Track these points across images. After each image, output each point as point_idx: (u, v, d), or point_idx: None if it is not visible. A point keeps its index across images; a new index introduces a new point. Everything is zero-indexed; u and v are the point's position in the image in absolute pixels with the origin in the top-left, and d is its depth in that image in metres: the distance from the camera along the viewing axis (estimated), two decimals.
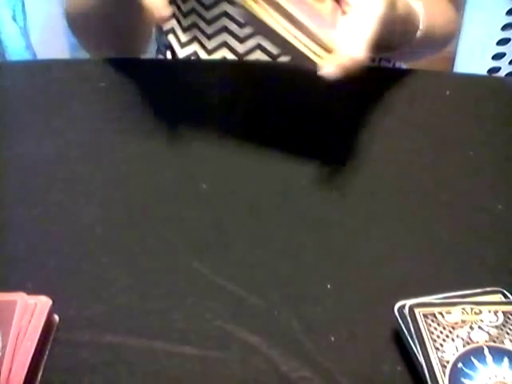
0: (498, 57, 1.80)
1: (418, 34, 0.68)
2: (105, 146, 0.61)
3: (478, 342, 0.40)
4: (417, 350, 0.40)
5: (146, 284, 0.48)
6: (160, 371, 0.42)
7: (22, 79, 0.71)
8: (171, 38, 0.83)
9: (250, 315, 0.45)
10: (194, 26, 0.80)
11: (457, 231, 0.53)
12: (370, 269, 0.49)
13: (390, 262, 0.50)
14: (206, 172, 0.58)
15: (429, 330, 0.41)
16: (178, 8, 0.81)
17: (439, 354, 0.40)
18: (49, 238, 0.52)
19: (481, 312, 0.42)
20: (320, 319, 0.45)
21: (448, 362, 0.39)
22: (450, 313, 0.42)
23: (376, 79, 0.69)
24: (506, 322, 0.42)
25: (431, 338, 0.41)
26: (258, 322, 0.45)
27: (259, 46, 0.78)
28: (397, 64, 0.86)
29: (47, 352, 0.42)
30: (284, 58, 0.79)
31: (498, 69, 1.81)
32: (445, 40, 0.80)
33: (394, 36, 0.64)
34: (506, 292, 0.45)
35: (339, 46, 0.51)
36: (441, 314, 0.42)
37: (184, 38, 0.82)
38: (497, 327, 0.41)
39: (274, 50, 0.78)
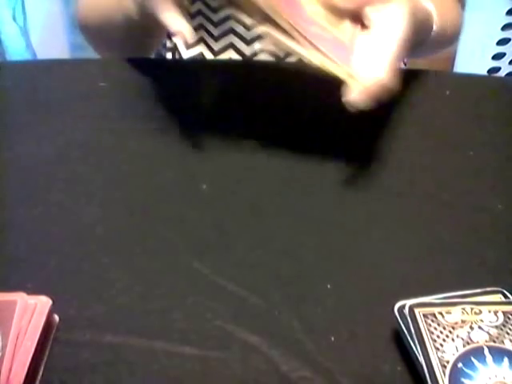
0: (497, 57, 1.80)
1: (432, 34, 0.68)
2: (105, 146, 0.61)
3: (478, 342, 0.40)
4: (417, 350, 0.40)
5: (147, 284, 0.48)
6: (160, 371, 0.42)
7: (22, 79, 0.71)
8: (177, 39, 0.83)
9: (250, 315, 0.45)
10: (201, 27, 0.80)
11: (457, 231, 0.53)
12: (371, 269, 0.49)
13: (390, 262, 0.50)
14: (207, 172, 0.58)
15: (429, 329, 0.41)
16: (186, 9, 0.81)
17: (439, 353, 0.40)
18: (49, 238, 0.52)
19: (481, 312, 0.42)
20: (320, 319, 0.45)
21: (448, 362, 0.39)
22: (450, 313, 0.42)
23: None
24: (506, 322, 0.42)
25: (431, 338, 0.41)
26: (259, 322, 0.45)
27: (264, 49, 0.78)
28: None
29: (47, 352, 0.42)
30: (289, 60, 0.79)
31: (497, 69, 1.81)
32: (453, 37, 0.80)
33: (413, 44, 0.64)
34: (506, 292, 0.45)
35: (361, 71, 0.50)
36: (441, 314, 0.42)
37: (191, 39, 0.82)
38: (497, 327, 0.41)
39: (280, 53, 0.78)
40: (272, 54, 0.52)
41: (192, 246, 0.51)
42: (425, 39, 0.68)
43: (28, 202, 0.55)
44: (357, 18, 0.53)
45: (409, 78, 0.72)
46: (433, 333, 0.41)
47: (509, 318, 0.42)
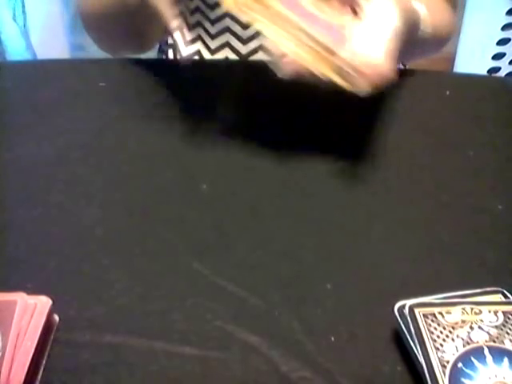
0: (497, 57, 1.80)
1: (421, 35, 0.68)
2: (105, 146, 0.61)
3: (477, 342, 0.40)
4: (417, 350, 0.40)
5: (147, 285, 0.48)
6: (160, 372, 0.42)
7: (22, 79, 0.71)
8: (177, 35, 0.83)
9: (250, 316, 0.45)
10: (199, 24, 0.80)
11: (457, 231, 0.53)
12: (371, 269, 0.49)
13: (390, 263, 0.50)
14: (207, 173, 0.58)
15: (429, 329, 0.41)
16: (186, 5, 0.81)
17: (439, 353, 0.40)
18: (49, 239, 0.52)
19: (481, 312, 0.42)
20: (320, 320, 0.45)
21: (448, 362, 0.39)
22: (450, 313, 0.42)
23: None
24: (506, 322, 0.42)
25: (431, 338, 0.41)
26: (259, 322, 0.45)
27: (262, 47, 0.78)
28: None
29: (47, 352, 0.42)
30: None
31: (497, 69, 1.81)
32: (441, 42, 0.80)
33: (404, 44, 0.64)
34: (506, 292, 0.45)
35: (363, 65, 0.50)
36: (441, 313, 0.42)
37: (189, 36, 0.82)
38: (497, 327, 0.41)
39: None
40: (270, 52, 0.52)
41: (192, 246, 0.51)
42: (415, 39, 0.69)
43: (28, 203, 0.55)
44: (345, 4, 0.53)
45: (409, 78, 0.72)
46: (433, 333, 0.41)
47: (509, 318, 0.42)
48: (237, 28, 0.78)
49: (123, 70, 0.71)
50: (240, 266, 0.49)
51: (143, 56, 0.78)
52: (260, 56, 0.79)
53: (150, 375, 0.42)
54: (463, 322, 0.42)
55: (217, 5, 0.77)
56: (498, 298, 0.44)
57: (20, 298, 0.42)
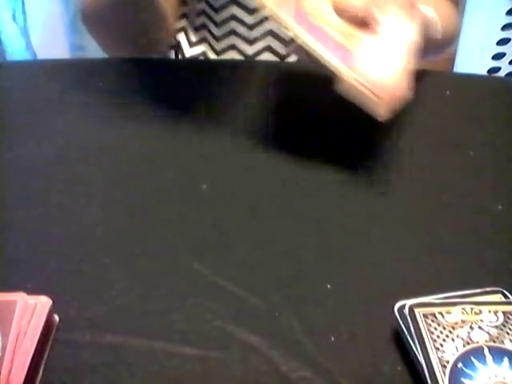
0: (498, 57, 1.80)
1: (431, 41, 0.68)
2: (105, 146, 0.61)
3: (477, 342, 0.40)
4: (417, 350, 0.40)
5: (147, 285, 0.48)
6: (160, 372, 0.42)
7: (22, 79, 0.71)
8: (181, 36, 0.83)
9: (250, 316, 0.45)
10: (204, 27, 0.80)
11: (457, 231, 0.53)
12: (371, 269, 0.49)
13: (390, 263, 0.50)
14: (207, 172, 0.58)
15: (429, 329, 0.41)
16: (191, 7, 0.81)
17: (439, 353, 0.40)
18: (49, 238, 0.52)
19: (481, 312, 0.42)
20: (320, 320, 0.45)
21: (448, 362, 0.39)
22: (450, 313, 0.42)
23: None
24: (506, 322, 0.42)
25: (431, 338, 0.41)
26: (259, 322, 0.45)
27: (268, 48, 0.78)
28: None
29: (47, 352, 0.42)
30: (291, 59, 0.79)
31: (497, 69, 1.81)
32: (449, 42, 0.80)
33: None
34: (506, 292, 0.45)
35: (375, 87, 0.49)
36: (441, 313, 0.42)
37: (194, 37, 0.82)
38: (497, 327, 0.41)
39: (282, 51, 0.78)
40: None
41: (192, 246, 0.51)
42: (427, 46, 0.68)
43: (28, 203, 0.55)
44: (363, 23, 0.52)
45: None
46: (433, 333, 0.41)
47: (509, 318, 0.42)
48: (242, 30, 0.78)
49: (123, 69, 0.71)
50: (240, 266, 0.49)
51: (143, 56, 0.78)
52: (266, 56, 0.79)
53: (150, 375, 0.42)
54: (463, 321, 0.42)
55: (221, 8, 0.78)
56: (498, 298, 0.44)
57: (20, 298, 0.42)
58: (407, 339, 0.42)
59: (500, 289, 0.45)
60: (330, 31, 0.51)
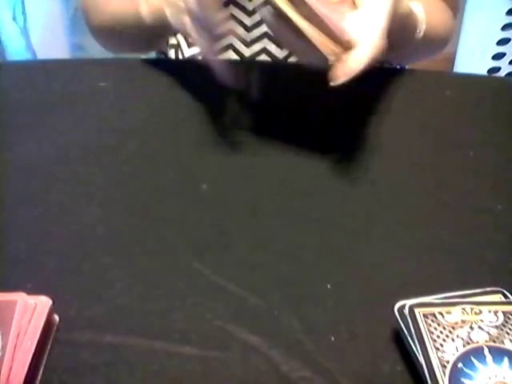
0: (498, 57, 1.80)
1: (417, 36, 0.69)
2: (105, 146, 0.61)
3: (477, 342, 0.40)
4: (417, 350, 0.40)
5: (147, 284, 0.48)
6: (160, 371, 0.42)
7: (22, 79, 0.71)
8: (180, 36, 0.83)
9: (250, 315, 0.45)
10: None
11: (457, 231, 0.53)
12: (371, 269, 0.49)
13: (390, 263, 0.50)
14: (207, 173, 0.58)
15: (429, 329, 0.41)
16: None
17: (439, 353, 0.40)
18: (49, 238, 0.52)
19: (481, 312, 0.42)
20: (320, 319, 0.45)
21: (448, 362, 0.39)
22: (450, 313, 0.42)
23: (376, 79, 0.69)
24: (506, 322, 0.42)
25: (431, 338, 0.41)
26: (259, 322, 0.45)
27: (265, 50, 0.78)
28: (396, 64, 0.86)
29: (47, 352, 0.42)
30: (290, 61, 0.79)
31: (497, 69, 1.82)
32: (441, 44, 0.81)
33: (394, 36, 0.64)
34: (506, 292, 0.45)
35: (359, 37, 0.51)
36: (441, 314, 0.42)
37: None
38: (497, 327, 0.41)
39: (279, 54, 0.78)
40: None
41: (192, 246, 0.51)
42: (409, 38, 0.69)
43: (28, 203, 0.55)
44: None
45: (409, 77, 0.72)
46: (433, 333, 0.41)
47: (509, 318, 0.42)
48: (240, 31, 0.78)
49: (123, 70, 0.71)
50: (240, 266, 0.49)
51: (143, 56, 0.78)
52: (263, 58, 0.79)
53: (150, 375, 0.42)
54: (463, 321, 0.42)
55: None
56: (498, 298, 0.44)
57: (20, 298, 0.42)
58: (407, 339, 0.42)
59: (500, 289, 0.45)
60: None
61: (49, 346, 0.42)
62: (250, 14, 0.77)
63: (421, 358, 0.40)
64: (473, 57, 1.81)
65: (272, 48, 0.78)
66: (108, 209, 0.54)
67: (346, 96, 0.66)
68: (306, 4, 0.51)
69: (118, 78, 0.70)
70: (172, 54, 0.85)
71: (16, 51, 1.66)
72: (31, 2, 1.66)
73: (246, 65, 0.78)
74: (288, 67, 0.77)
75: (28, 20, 1.66)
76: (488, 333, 0.41)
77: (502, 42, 1.77)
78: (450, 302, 0.43)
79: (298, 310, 0.46)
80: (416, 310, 0.42)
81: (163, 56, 0.87)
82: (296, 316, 0.45)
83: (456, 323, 0.42)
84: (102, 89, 0.68)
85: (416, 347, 0.41)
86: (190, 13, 0.56)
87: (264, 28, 0.78)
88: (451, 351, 0.40)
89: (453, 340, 0.41)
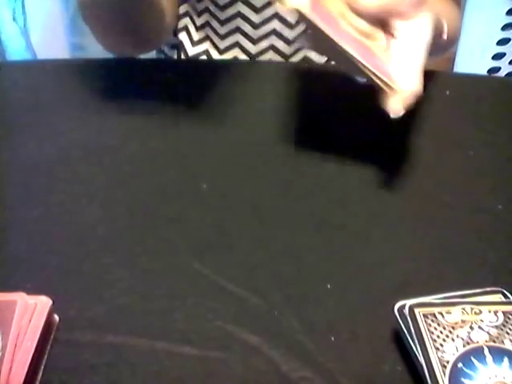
0: (498, 57, 1.80)
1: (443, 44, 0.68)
2: (106, 146, 0.61)
3: (477, 342, 0.40)
4: (417, 350, 0.41)
5: (148, 284, 0.48)
6: (161, 371, 0.42)
7: (22, 79, 0.71)
8: (183, 35, 0.83)
9: (251, 316, 0.46)
10: (207, 25, 0.80)
11: (457, 231, 0.53)
12: (371, 269, 0.50)
13: (390, 263, 0.50)
14: (207, 172, 0.58)
15: (429, 329, 0.41)
16: (193, 6, 0.81)
17: (439, 353, 0.40)
18: (50, 238, 0.52)
19: (481, 312, 0.42)
20: (321, 320, 0.45)
21: (448, 362, 0.39)
22: (450, 313, 0.42)
23: None
24: (506, 322, 0.42)
25: (431, 338, 0.41)
26: (259, 322, 0.45)
27: (272, 47, 0.78)
28: None
29: (47, 352, 0.42)
30: (295, 59, 0.79)
31: (497, 69, 1.81)
32: (452, 42, 0.80)
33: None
34: (506, 292, 0.45)
35: (399, 85, 0.51)
36: (441, 313, 0.42)
37: (196, 36, 0.82)
38: (497, 327, 0.41)
39: (287, 51, 0.78)
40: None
41: (192, 246, 0.51)
42: (435, 44, 0.69)
43: (29, 203, 0.55)
44: (386, 28, 0.53)
45: None
46: (433, 333, 0.41)
47: (509, 318, 0.42)
48: (247, 28, 0.78)
49: (123, 70, 0.71)
50: (241, 266, 0.49)
51: (143, 56, 0.78)
52: (270, 55, 0.79)
53: (151, 375, 0.42)
54: (463, 321, 0.42)
55: (227, 5, 0.77)
56: (498, 298, 0.44)
57: (20, 298, 0.42)
58: (407, 339, 0.42)
59: (500, 289, 0.45)
60: (345, 26, 0.52)
61: (49, 346, 0.42)
62: (257, 10, 0.77)
63: (421, 358, 0.40)
64: (473, 57, 1.81)
65: (280, 45, 0.78)
66: (109, 209, 0.54)
67: (346, 96, 0.66)
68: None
69: (117, 78, 0.70)
70: (174, 54, 0.85)
71: (16, 51, 1.66)
72: (31, 2, 1.66)
73: (249, 64, 0.78)
74: (292, 66, 0.77)
75: (28, 20, 1.66)
76: (488, 333, 0.41)
77: (502, 42, 1.77)
78: (449, 302, 0.43)
79: (298, 310, 0.46)
80: (416, 310, 0.42)
81: (163, 56, 0.87)
82: (296, 316, 0.45)
83: (456, 323, 0.42)
84: (102, 89, 0.68)
85: (416, 347, 0.41)
86: None
87: (272, 25, 0.77)
88: (451, 351, 0.40)
89: (453, 340, 0.41)
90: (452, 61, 1.85)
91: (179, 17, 0.82)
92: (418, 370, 0.40)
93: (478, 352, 0.40)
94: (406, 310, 0.42)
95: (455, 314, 0.42)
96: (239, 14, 0.77)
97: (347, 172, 0.58)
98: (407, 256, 0.51)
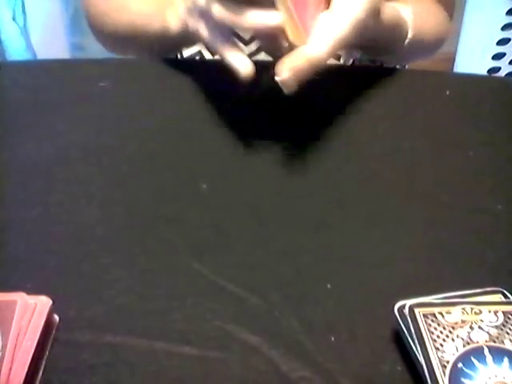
0: (497, 57, 1.80)
1: (407, 41, 0.69)
2: (105, 146, 0.61)
3: (477, 342, 0.40)
4: (417, 350, 0.40)
5: (147, 284, 0.48)
6: (160, 371, 0.42)
7: (22, 79, 0.71)
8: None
9: (250, 316, 0.45)
10: None
11: (457, 232, 0.53)
12: (370, 269, 0.49)
13: (390, 263, 0.50)
14: (207, 173, 0.58)
15: (429, 329, 0.41)
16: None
17: (439, 353, 0.40)
18: (49, 238, 0.52)
19: (481, 312, 0.42)
20: (320, 320, 0.45)
21: (448, 362, 0.39)
22: (450, 313, 0.42)
23: (376, 79, 0.69)
24: (506, 322, 0.42)
25: (431, 338, 0.41)
26: (259, 322, 0.45)
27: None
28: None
29: (47, 352, 0.42)
30: None
31: (497, 69, 1.82)
32: (436, 44, 0.80)
33: (379, 43, 0.65)
34: (506, 292, 0.45)
35: (306, 41, 0.52)
36: (441, 314, 0.42)
37: None
38: (497, 327, 0.41)
39: (278, 52, 0.78)
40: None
41: (192, 246, 0.51)
42: (398, 44, 0.69)
43: (28, 203, 0.55)
44: None
45: (409, 77, 0.72)
46: (433, 333, 0.41)
47: (509, 318, 0.42)
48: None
49: (123, 70, 0.71)
50: (240, 266, 0.49)
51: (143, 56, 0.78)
52: (262, 56, 0.78)
53: (150, 375, 0.42)
54: (463, 321, 0.42)
55: None
56: (498, 298, 0.44)
57: (20, 298, 0.42)
58: (407, 339, 0.42)
59: (500, 289, 0.45)
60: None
61: (49, 346, 0.42)
62: None
63: (421, 358, 0.40)
64: (473, 57, 1.81)
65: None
66: (108, 209, 0.54)
67: (346, 96, 0.66)
68: None
69: (118, 78, 0.69)
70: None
71: (16, 51, 1.66)
72: (31, 2, 1.66)
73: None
74: None
75: (28, 20, 1.66)
76: (488, 333, 0.41)
77: (502, 42, 1.77)
78: (450, 302, 0.43)
79: (297, 310, 0.46)
80: (416, 310, 0.42)
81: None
82: (296, 316, 0.45)
83: (456, 323, 0.42)
84: (101, 89, 0.68)
85: (416, 347, 0.41)
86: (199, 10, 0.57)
87: None
88: (451, 351, 0.40)
89: (453, 340, 0.41)
90: (452, 61, 1.85)
91: None
92: (418, 370, 0.40)
93: (477, 352, 0.40)
94: (406, 310, 0.42)
95: (455, 314, 0.42)
96: None
97: (346, 172, 0.58)
98: (406, 256, 0.51)
